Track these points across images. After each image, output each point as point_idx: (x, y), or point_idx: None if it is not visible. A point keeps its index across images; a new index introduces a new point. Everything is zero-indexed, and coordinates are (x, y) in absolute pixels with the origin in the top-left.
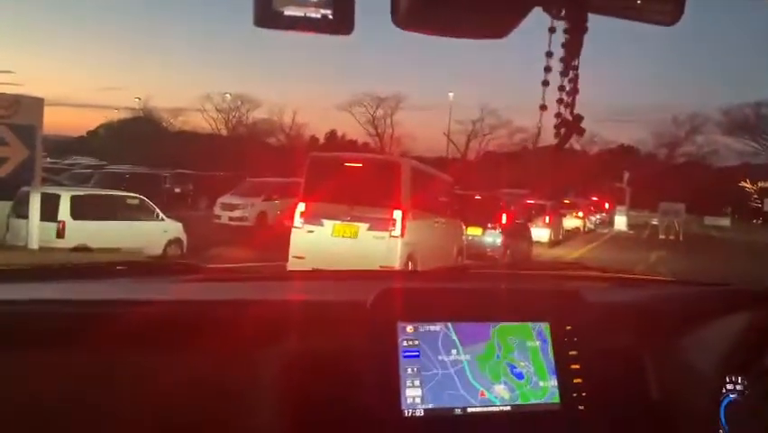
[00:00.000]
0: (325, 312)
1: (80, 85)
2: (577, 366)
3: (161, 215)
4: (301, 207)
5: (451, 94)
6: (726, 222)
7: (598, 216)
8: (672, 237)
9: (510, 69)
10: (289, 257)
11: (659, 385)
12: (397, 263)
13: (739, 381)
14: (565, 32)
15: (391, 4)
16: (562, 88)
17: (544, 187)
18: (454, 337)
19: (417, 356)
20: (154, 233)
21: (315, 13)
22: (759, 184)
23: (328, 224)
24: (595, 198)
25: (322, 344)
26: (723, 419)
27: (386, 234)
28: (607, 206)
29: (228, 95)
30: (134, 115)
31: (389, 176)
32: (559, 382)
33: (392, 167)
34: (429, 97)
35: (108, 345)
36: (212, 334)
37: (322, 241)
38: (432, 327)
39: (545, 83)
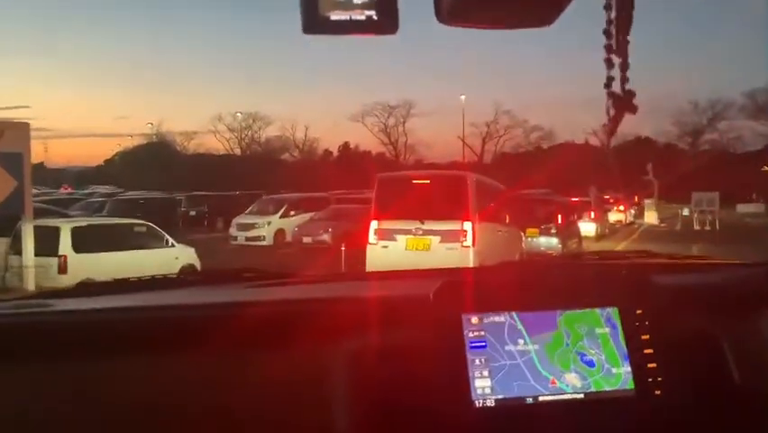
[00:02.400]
0: (390, 308)
1: (95, 115)
2: (650, 351)
3: (171, 240)
4: (374, 224)
5: (462, 96)
6: (758, 208)
7: (633, 210)
8: (708, 228)
9: (521, 68)
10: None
11: (740, 368)
12: None
13: None
14: (608, 7)
15: (434, 1)
16: (609, 61)
17: (564, 184)
18: (520, 327)
19: (484, 347)
20: (164, 260)
21: (359, 16)
22: None
23: (401, 239)
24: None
25: (388, 339)
26: None
27: (457, 244)
28: (636, 198)
29: (239, 114)
30: (148, 140)
31: (458, 190)
32: (633, 368)
33: (460, 181)
34: (441, 102)
35: (185, 348)
36: (281, 333)
37: (396, 255)
38: (496, 318)
39: (609, 61)
